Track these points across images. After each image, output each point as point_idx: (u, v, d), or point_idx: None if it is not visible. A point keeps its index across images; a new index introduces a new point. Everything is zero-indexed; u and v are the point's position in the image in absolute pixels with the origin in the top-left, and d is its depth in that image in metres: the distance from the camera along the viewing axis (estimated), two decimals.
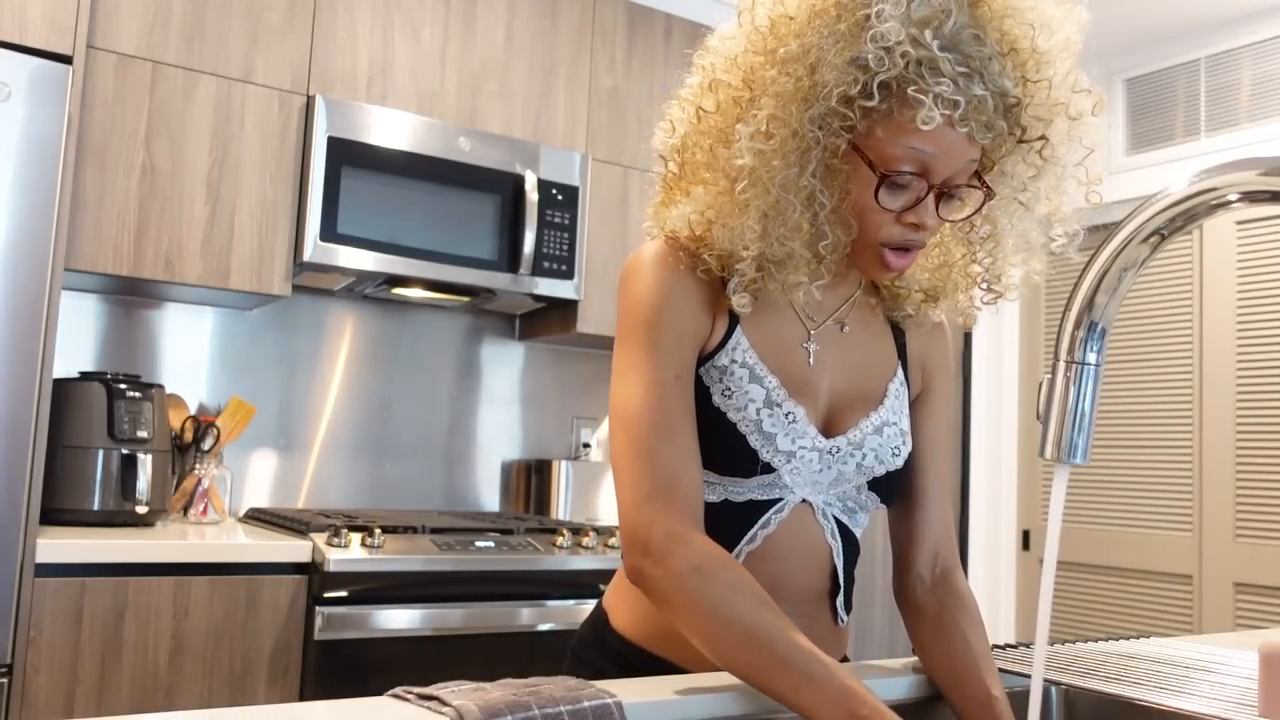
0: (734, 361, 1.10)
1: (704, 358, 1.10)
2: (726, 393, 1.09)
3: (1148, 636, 1.52)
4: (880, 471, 1.15)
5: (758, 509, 1.12)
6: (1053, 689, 1.16)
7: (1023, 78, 1.01)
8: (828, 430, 1.13)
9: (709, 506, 1.10)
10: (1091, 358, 0.82)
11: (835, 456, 1.12)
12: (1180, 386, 3.55)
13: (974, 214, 1.08)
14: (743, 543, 1.12)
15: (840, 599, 1.17)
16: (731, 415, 1.09)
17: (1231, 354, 3.41)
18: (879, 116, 0.99)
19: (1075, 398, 0.82)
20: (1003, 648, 1.31)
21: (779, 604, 1.05)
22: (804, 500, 1.13)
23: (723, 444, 1.09)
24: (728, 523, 1.12)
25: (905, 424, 1.18)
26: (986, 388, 4.05)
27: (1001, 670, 1.17)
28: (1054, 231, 1.12)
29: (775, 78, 1.01)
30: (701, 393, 1.10)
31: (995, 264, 1.13)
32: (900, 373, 1.20)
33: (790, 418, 1.10)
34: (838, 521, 1.16)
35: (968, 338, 3.98)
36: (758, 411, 1.09)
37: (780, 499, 1.12)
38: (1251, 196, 0.75)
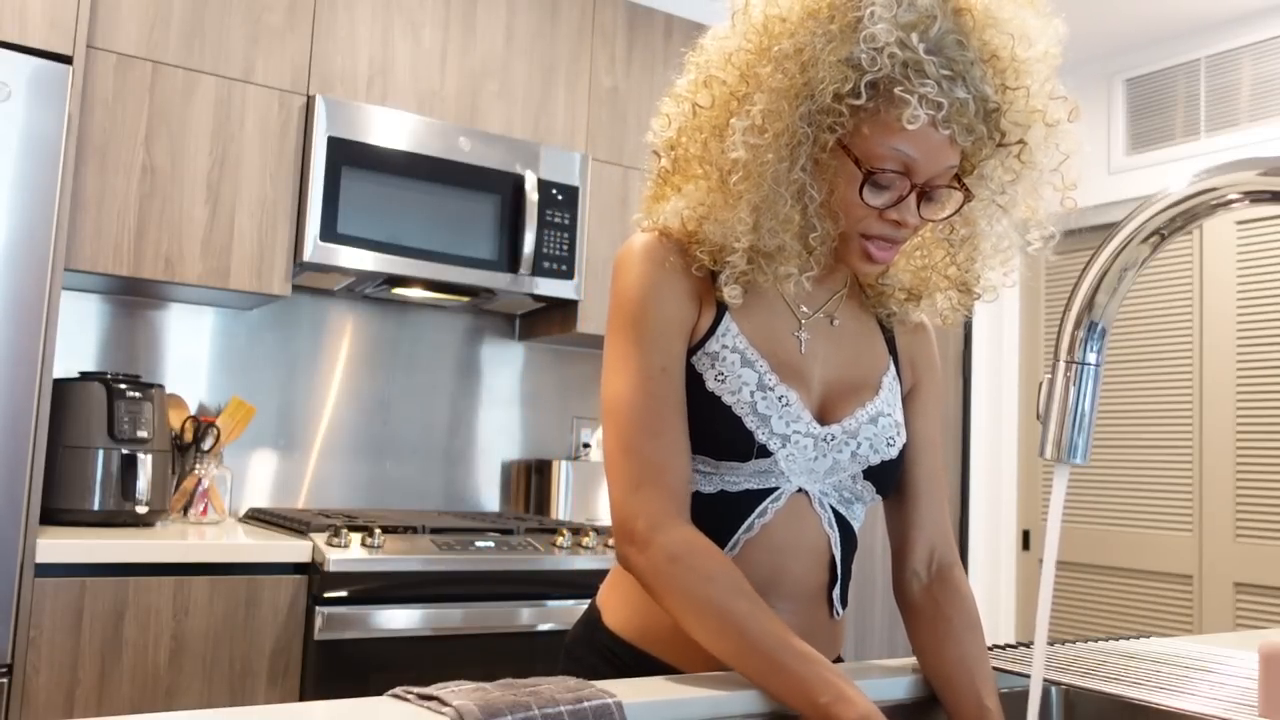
0: (725, 347, 1.12)
1: (695, 346, 1.13)
2: (720, 377, 1.11)
3: (1148, 636, 1.52)
4: (875, 461, 1.16)
5: (754, 499, 1.13)
6: (1053, 689, 1.16)
7: (1002, 85, 1.05)
8: (823, 418, 1.15)
9: (705, 498, 1.12)
10: (1091, 358, 0.82)
11: (831, 444, 1.14)
12: (1180, 386, 3.55)
13: (953, 215, 1.11)
14: (740, 532, 1.13)
15: (837, 591, 1.17)
16: (726, 399, 1.10)
17: (1231, 354, 3.41)
18: (866, 115, 1.03)
19: (1075, 398, 0.82)
20: (1002, 648, 1.31)
21: (777, 596, 1.12)
22: (800, 490, 1.14)
23: (718, 428, 1.10)
24: (725, 514, 1.13)
25: (899, 415, 1.20)
26: (986, 388, 4.05)
27: (1001, 670, 1.17)
28: (1030, 235, 1.16)
29: (769, 74, 1.05)
30: (694, 380, 1.12)
31: (973, 265, 1.17)
32: (892, 367, 1.22)
33: (783, 401, 1.12)
34: (835, 512, 1.16)
35: (968, 338, 3.98)
36: (751, 394, 1.11)
37: (776, 488, 1.13)
38: (1252, 196, 0.75)
